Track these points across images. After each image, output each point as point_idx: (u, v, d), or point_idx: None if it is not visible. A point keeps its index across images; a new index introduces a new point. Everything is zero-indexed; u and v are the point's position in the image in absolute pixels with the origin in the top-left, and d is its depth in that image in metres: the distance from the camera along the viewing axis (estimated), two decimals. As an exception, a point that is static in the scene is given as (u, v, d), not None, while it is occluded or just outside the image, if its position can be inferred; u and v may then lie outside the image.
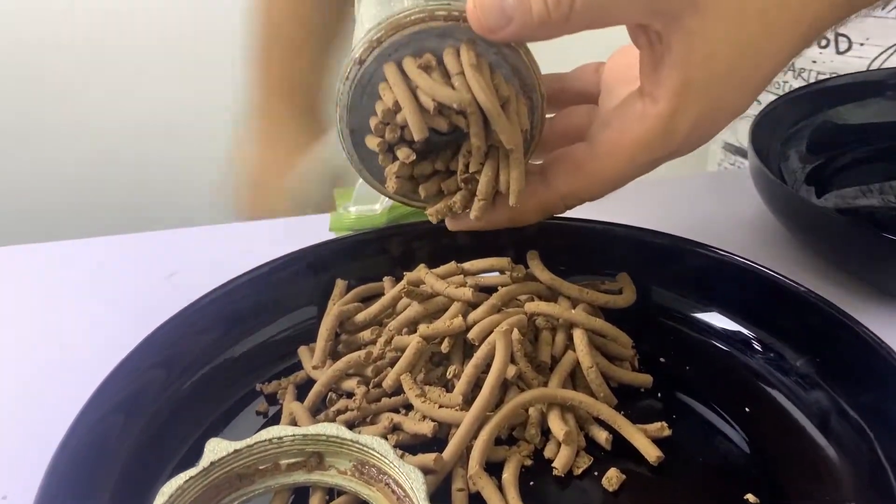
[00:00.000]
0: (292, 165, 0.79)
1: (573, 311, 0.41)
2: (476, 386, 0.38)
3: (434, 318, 0.40)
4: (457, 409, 0.37)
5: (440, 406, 0.37)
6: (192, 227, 0.64)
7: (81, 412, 0.39)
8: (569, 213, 0.52)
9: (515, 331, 0.39)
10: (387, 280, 0.47)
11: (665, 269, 0.47)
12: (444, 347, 0.39)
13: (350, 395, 0.41)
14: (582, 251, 0.49)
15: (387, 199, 0.55)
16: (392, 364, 0.40)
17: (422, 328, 0.39)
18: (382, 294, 0.47)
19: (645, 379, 0.42)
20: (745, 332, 0.43)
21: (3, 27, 0.74)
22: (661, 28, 0.32)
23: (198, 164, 0.82)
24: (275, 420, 0.42)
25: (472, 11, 0.34)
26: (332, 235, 0.63)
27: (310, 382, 0.43)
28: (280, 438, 0.36)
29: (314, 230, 0.63)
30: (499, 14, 0.33)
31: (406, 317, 0.40)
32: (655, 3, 0.31)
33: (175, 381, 0.43)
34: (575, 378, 0.41)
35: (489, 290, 0.47)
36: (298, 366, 0.45)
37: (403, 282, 0.43)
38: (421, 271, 0.43)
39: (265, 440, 0.35)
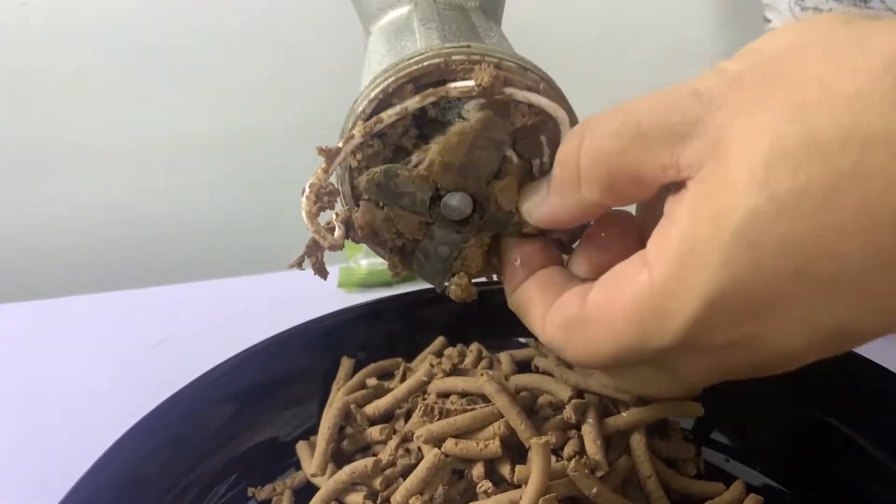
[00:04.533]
0: None
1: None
2: None
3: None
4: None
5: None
6: (185, 284, 0.58)
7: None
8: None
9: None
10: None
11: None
12: (477, 475, 0.32)
13: (355, 510, 0.34)
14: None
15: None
16: (405, 473, 0.33)
17: (449, 444, 0.32)
18: (394, 374, 0.41)
19: (715, 488, 0.35)
20: (843, 429, 0.36)
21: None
22: (684, 176, 0.21)
23: (190, 214, 0.75)
24: (268, 536, 0.36)
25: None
26: (340, 292, 0.57)
27: (310, 487, 0.37)
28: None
29: (319, 287, 0.56)
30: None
31: (430, 432, 0.33)
32: (675, 148, 0.21)
33: (154, 484, 0.37)
34: (626, 487, 0.34)
35: (525, 365, 0.41)
36: (297, 464, 0.39)
37: (419, 375, 0.36)
38: (447, 381, 0.36)
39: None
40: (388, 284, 0.56)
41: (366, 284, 0.56)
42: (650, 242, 0.22)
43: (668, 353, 0.21)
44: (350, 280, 0.56)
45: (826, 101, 0.18)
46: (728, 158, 0.19)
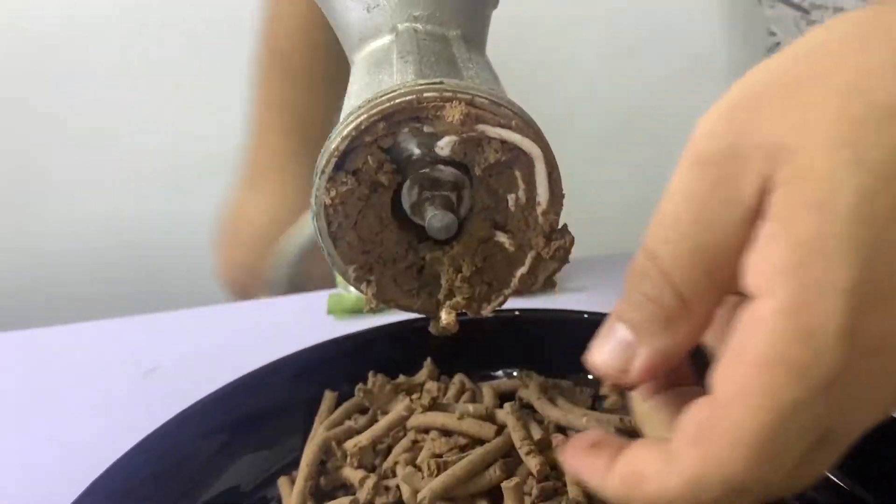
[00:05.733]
0: (282, 218, 0.65)
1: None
2: None
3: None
4: None
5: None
6: (176, 312, 0.58)
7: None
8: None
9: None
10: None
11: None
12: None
13: (334, 550, 0.34)
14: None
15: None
16: (384, 513, 0.33)
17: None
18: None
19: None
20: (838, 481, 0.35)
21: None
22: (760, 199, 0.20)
23: (178, 240, 0.75)
24: (247, 576, 0.35)
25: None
26: (329, 319, 0.56)
27: (291, 524, 0.37)
28: None
29: (309, 313, 0.56)
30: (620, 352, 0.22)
31: (432, 491, 0.32)
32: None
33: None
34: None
35: (509, 396, 0.40)
36: (280, 499, 0.38)
37: (399, 409, 0.36)
38: (426, 416, 0.35)
39: None
40: (378, 311, 0.56)
41: (356, 311, 0.56)
42: (750, 278, 0.19)
43: (839, 377, 0.18)
44: (340, 307, 0.56)
45: (872, 74, 0.19)
46: (798, 153, 0.19)
